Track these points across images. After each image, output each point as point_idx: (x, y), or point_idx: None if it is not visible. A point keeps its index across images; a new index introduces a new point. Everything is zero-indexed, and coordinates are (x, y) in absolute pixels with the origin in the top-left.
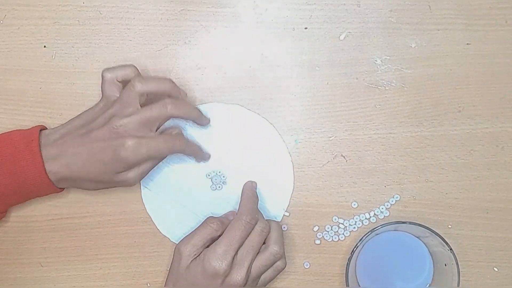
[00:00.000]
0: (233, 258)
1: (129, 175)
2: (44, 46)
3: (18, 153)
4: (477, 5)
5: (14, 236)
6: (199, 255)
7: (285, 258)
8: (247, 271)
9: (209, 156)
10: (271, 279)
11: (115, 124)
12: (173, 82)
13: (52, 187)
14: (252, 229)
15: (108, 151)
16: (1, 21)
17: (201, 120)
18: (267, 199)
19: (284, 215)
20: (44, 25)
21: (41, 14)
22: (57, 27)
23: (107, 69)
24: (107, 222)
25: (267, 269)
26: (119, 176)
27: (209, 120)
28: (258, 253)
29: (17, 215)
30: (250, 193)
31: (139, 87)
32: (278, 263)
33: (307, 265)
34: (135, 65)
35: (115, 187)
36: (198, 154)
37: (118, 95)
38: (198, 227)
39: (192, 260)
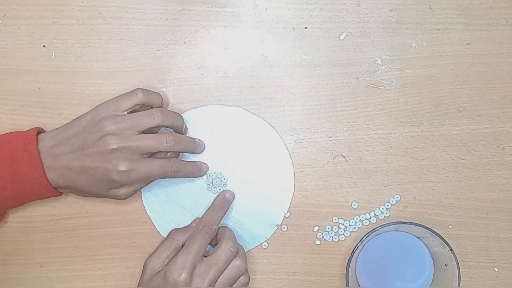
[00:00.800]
0: (194, 268)
1: (120, 192)
2: (44, 46)
3: (16, 156)
4: (477, 5)
5: (13, 236)
6: (162, 268)
7: (248, 273)
8: (209, 285)
9: (207, 169)
10: None
11: (111, 147)
12: (183, 120)
13: (52, 190)
14: (210, 237)
15: (100, 171)
16: (1, 21)
17: (195, 151)
18: (267, 201)
19: (284, 216)
20: (44, 25)
21: (40, 14)
22: (56, 27)
23: (142, 89)
24: (106, 222)
25: (232, 283)
26: (110, 191)
27: (204, 148)
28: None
29: (16, 215)
30: (217, 203)
31: (160, 119)
32: (242, 278)
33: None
34: (139, 86)
35: (107, 198)
36: (194, 174)
37: (126, 114)
38: (163, 240)
39: (155, 274)
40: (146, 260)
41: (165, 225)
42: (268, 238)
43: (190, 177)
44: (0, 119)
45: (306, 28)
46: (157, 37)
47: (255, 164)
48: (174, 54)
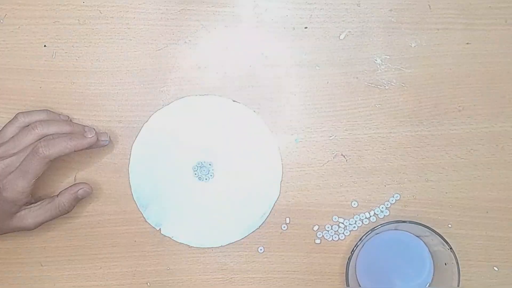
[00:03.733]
0: None
1: (26, 220)
2: (44, 46)
3: None
4: (477, 5)
5: (14, 235)
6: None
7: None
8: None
9: (106, 136)
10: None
11: None
12: (75, 124)
13: None
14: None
15: None
16: (2, 20)
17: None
18: (254, 194)
19: (272, 209)
20: (44, 24)
21: (41, 13)
22: (57, 27)
23: (23, 113)
24: (107, 221)
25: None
26: (14, 221)
27: (106, 138)
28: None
29: None
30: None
31: (41, 129)
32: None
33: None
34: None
35: (16, 231)
36: (78, 144)
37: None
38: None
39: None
40: None
41: (153, 213)
42: (255, 230)
43: (81, 148)
44: (1, 119)
45: (306, 28)
46: (157, 37)
47: (243, 156)
48: (175, 54)
